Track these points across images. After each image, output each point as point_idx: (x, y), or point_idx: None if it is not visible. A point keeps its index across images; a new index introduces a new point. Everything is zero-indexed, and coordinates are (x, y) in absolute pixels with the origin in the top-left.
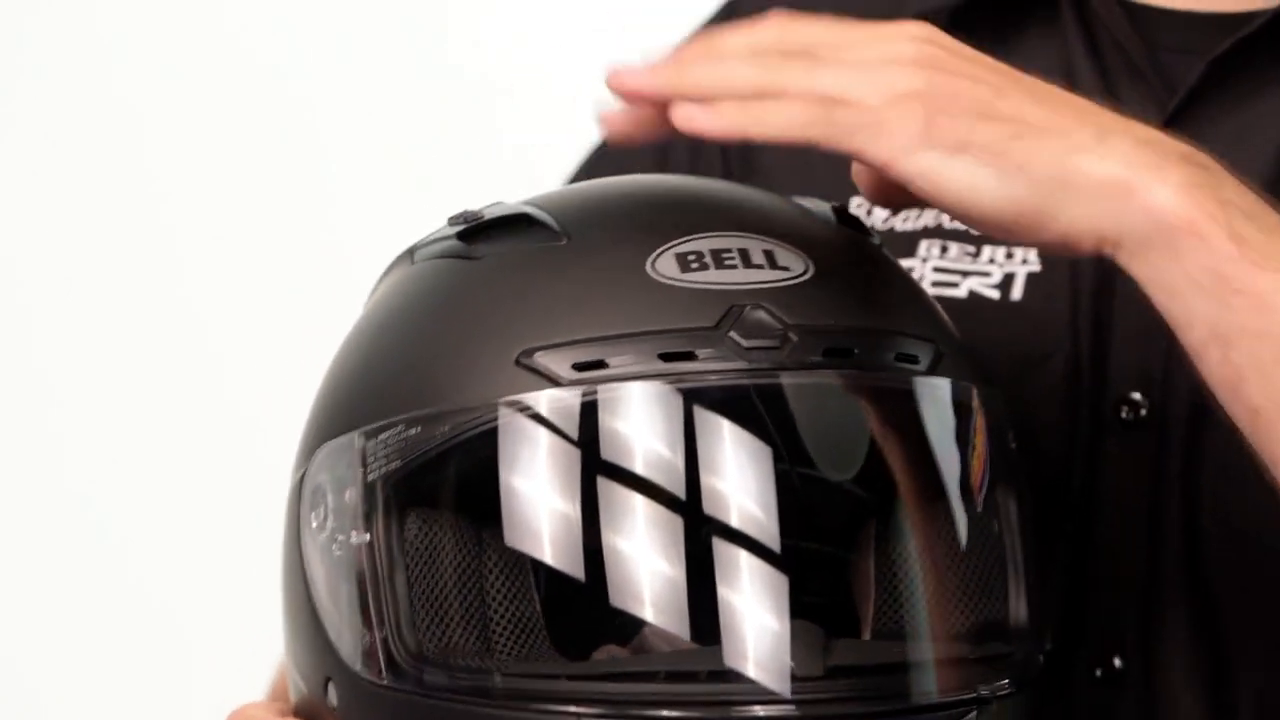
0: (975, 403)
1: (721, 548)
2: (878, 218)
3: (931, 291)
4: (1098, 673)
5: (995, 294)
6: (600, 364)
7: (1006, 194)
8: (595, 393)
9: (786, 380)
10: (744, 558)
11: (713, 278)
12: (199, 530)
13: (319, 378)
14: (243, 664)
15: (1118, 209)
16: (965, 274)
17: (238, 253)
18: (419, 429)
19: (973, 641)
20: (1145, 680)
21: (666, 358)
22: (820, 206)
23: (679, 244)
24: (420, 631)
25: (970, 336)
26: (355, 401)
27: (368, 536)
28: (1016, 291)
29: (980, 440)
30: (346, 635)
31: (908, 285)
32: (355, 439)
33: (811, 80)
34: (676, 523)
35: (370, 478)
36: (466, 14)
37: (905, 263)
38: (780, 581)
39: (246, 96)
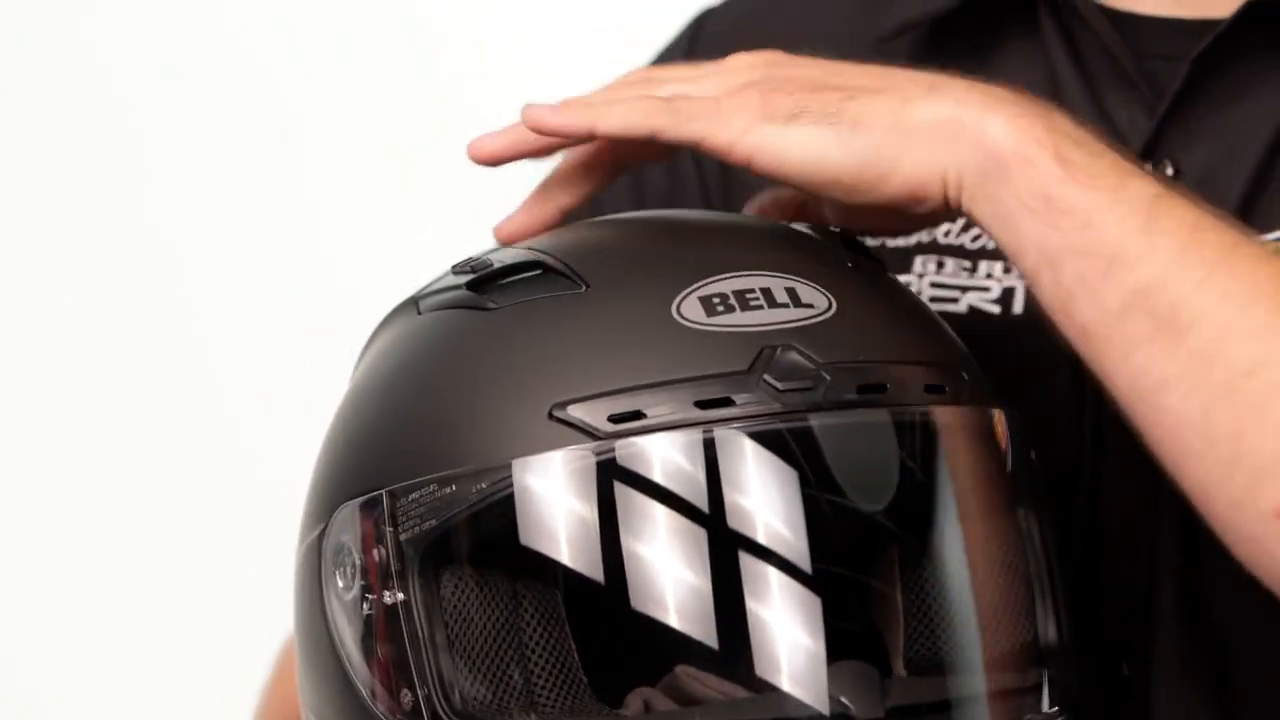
0: (1002, 427)
1: (775, 591)
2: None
3: (931, 307)
4: (1106, 681)
5: (996, 309)
6: (637, 414)
7: (845, 150)
8: (634, 444)
9: (825, 421)
10: (799, 600)
11: (739, 320)
12: (197, 533)
13: (317, 379)
14: (241, 665)
15: (954, 147)
16: (964, 289)
17: (237, 255)
18: (453, 487)
19: (1018, 670)
20: (1148, 688)
21: (703, 405)
22: (827, 231)
23: (701, 286)
24: (464, 688)
25: (975, 352)
26: (377, 460)
27: (402, 595)
28: (1018, 306)
29: (1010, 463)
30: (383, 694)
31: (923, 311)
32: (383, 498)
33: (658, 89)
34: (730, 570)
35: (403, 536)
36: (466, 14)
37: (901, 279)
38: (834, 625)
39: (245, 98)
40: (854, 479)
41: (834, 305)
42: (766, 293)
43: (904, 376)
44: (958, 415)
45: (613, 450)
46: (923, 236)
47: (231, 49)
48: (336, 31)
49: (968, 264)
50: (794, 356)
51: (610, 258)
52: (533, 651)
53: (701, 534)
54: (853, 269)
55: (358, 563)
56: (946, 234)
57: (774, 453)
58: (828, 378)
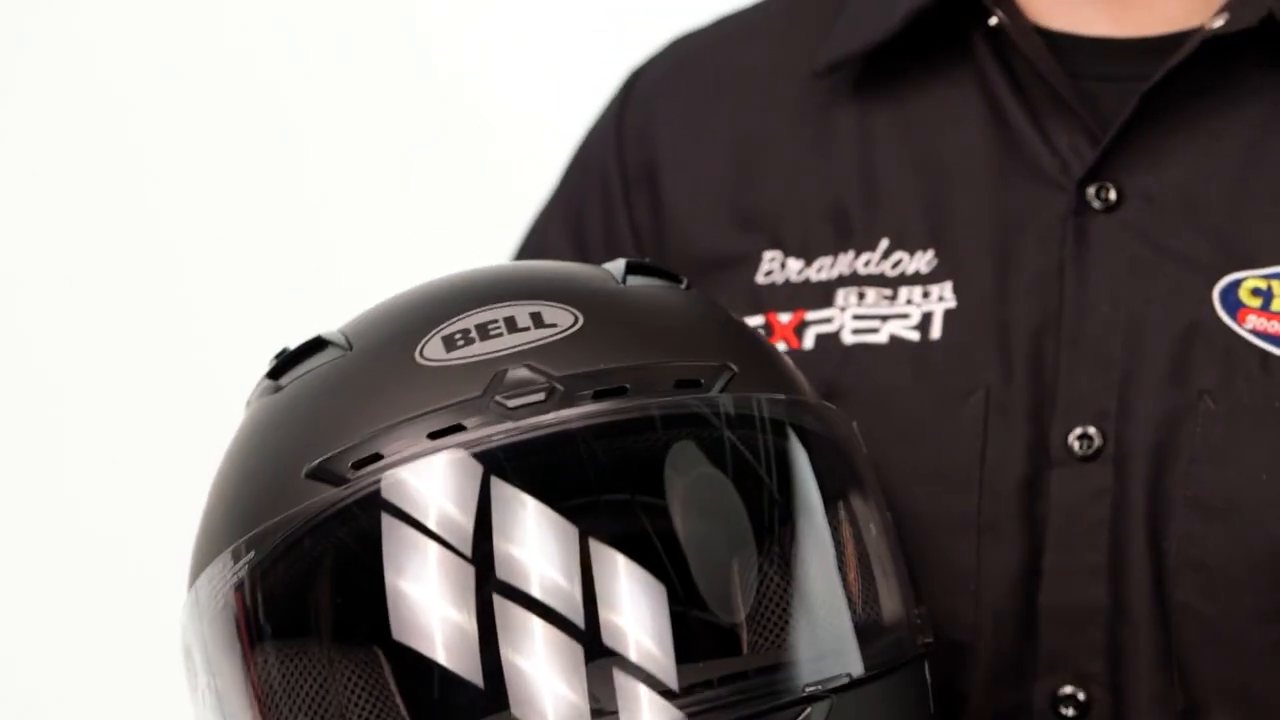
0: (769, 413)
1: (509, 604)
2: (791, 270)
3: (853, 340)
4: (1060, 707)
5: (915, 335)
6: (376, 456)
7: None
8: (374, 484)
9: (556, 430)
10: (536, 612)
11: (478, 350)
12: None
13: None
14: None
15: None
16: (885, 318)
17: (237, 255)
18: (232, 561)
19: (803, 643)
20: (1114, 713)
21: (435, 435)
22: (616, 263)
23: (445, 327)
24: None
25: (893, 379)
26: (194, 559)
27: (213, 677)
28: (935, 330)
29: (784, 450)
30: None
31: (701, 318)
32: (193, 591)
33: None
34: (464, 582)
35: (205, 619)
36: (466, 14)
37: (823, 313)
38: (590, 628)
39: (245, 98)
40: (602, 481)
41: (581, 322)
42: (509, 320)
43: (650, 377)
44: (713, 405)
45: (351, 493)
46: (843, 269)
47: (231, 49)
48: (336, 31)
49: (888, 292)
50: (524, 373)
51: (377, 320)
52: (340, 701)
53: (451, 560)
54: (622, 288)
55: (195, 658)
56: (867, 264)
57: (514, 467)
58: (561, 388)
